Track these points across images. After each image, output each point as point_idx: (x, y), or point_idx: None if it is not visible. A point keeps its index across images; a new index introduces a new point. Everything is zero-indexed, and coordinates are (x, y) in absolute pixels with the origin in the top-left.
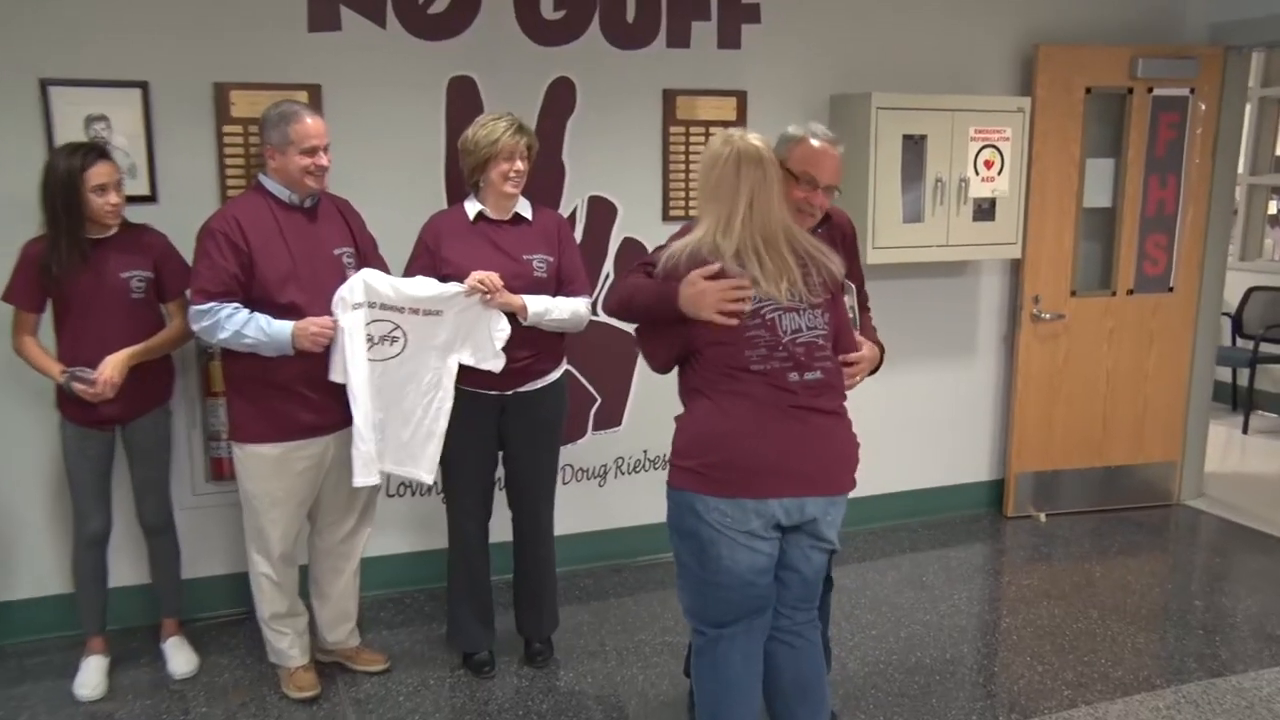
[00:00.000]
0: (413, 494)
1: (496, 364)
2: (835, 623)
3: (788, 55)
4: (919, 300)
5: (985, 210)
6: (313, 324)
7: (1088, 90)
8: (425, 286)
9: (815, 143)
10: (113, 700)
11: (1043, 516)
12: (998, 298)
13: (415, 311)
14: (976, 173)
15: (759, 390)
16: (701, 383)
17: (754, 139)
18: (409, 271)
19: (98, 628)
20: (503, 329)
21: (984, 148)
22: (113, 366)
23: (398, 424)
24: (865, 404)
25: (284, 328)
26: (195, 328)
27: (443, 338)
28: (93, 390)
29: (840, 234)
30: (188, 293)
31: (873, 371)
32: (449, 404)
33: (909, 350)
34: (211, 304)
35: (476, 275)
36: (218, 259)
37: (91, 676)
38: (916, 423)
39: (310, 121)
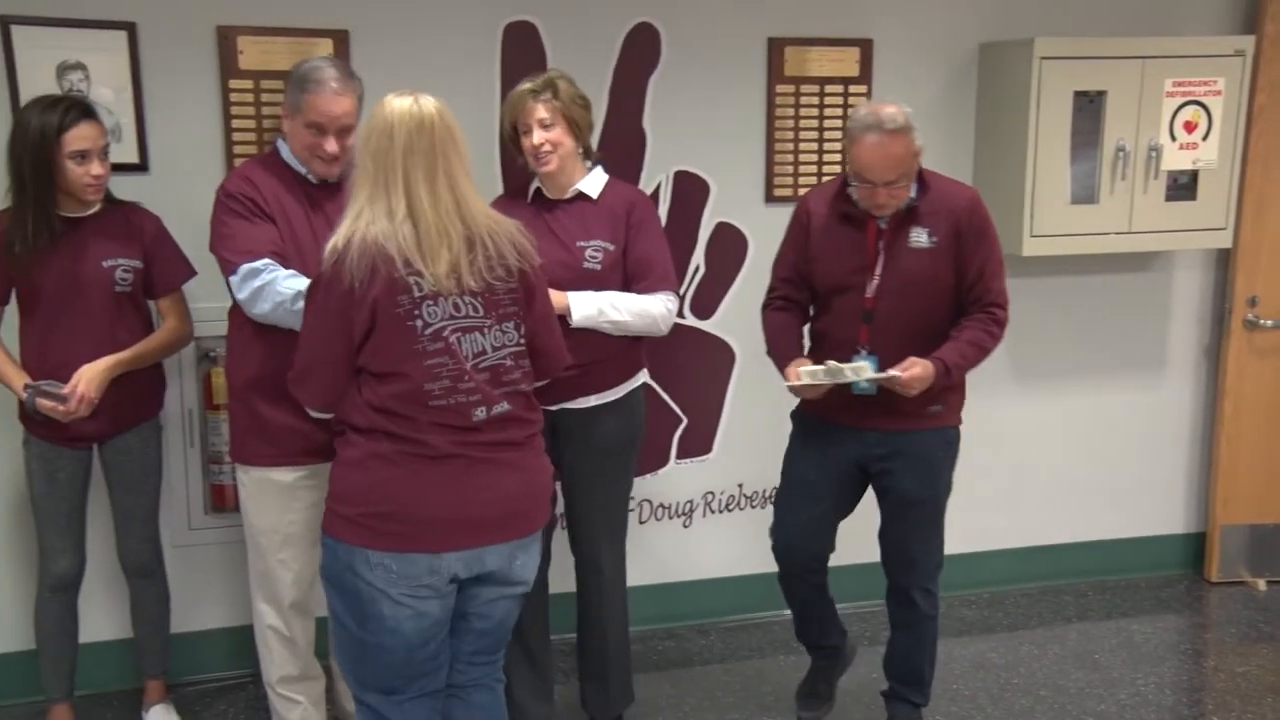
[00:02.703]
0: None
1: None
2: (979, 706)
3: None
4: (1090, 302)
5: (1183, 186)
6: None
7: None
8: None
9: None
10: None
11: (1262, 584)
12: (1198, 299)
13: None
14: (1173, 138)
15: (434, 435)
16: (368, 418)
17: (420, 100)
18: None
19: (64, 694)
20: None
21: (1185, 105)
22: (88, 379)
23: None
24: (1020, 431)
25: None
26: (241, 294)
27: None
28: (64, 408)
29: (951, 220)
30: (190, 283)
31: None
32: None
33: (1076, 366)
34: (266, 260)
35: None
36: (254, 219)
37: None
38: (1087, 457)
39: (329, 98)
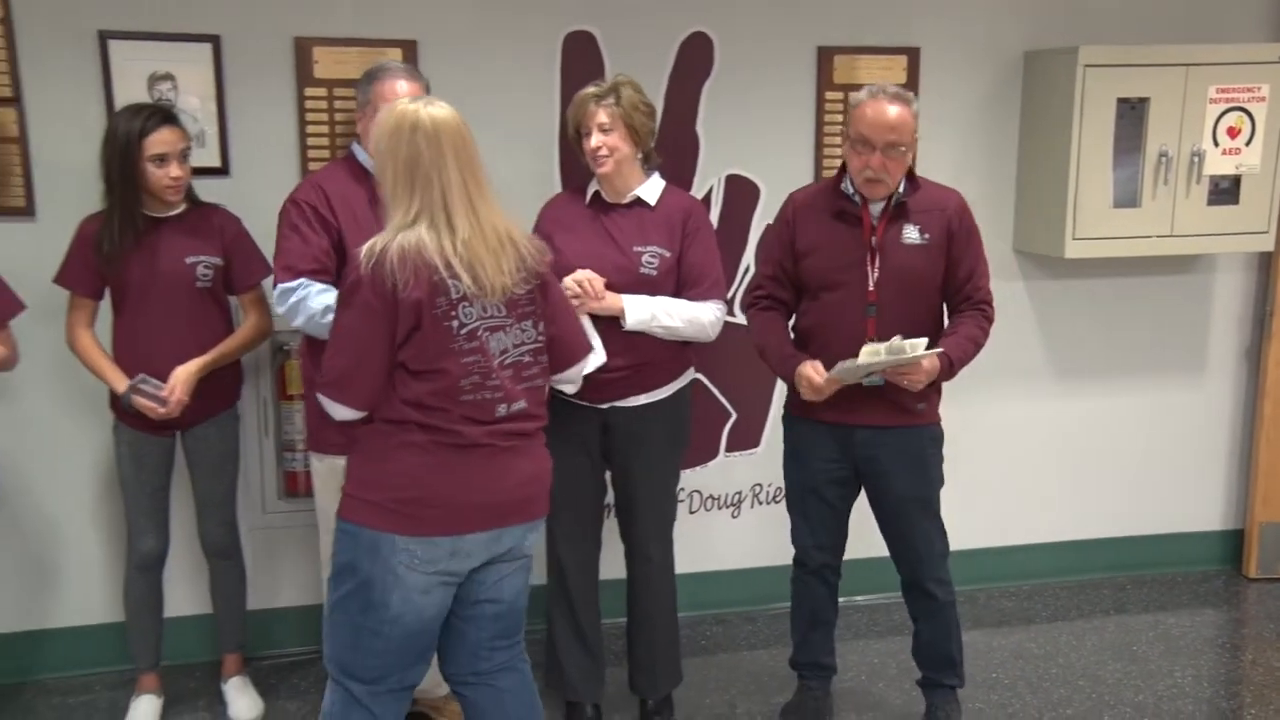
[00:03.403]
0: None
1: (571, 387)
2: (1017, 694)
3: (972, 2)
4: (1131, 303)
5: (1225, 191)
6: None
7: None
8: None
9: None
10: None
11: None
12: (1238, 301)
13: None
14: (1216, 144)
15: (463, 425)
16: (400, 411)
17: (443, 107)
18: None
19: (150, 663)
20: (594, 352)
21: (1228, 111)
22: (183, 382)
23: None
24: (1062, 429)
25: None
26: (281, 309)
27: None
28: (162, 410)
29: (943, 219)
30: (269, 279)
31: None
32: None
33: (1117, 366)
34: (301, 280)
35: (574, 277)
36: (307, 232)
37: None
38: (1126, 455)
39: (390, 84)
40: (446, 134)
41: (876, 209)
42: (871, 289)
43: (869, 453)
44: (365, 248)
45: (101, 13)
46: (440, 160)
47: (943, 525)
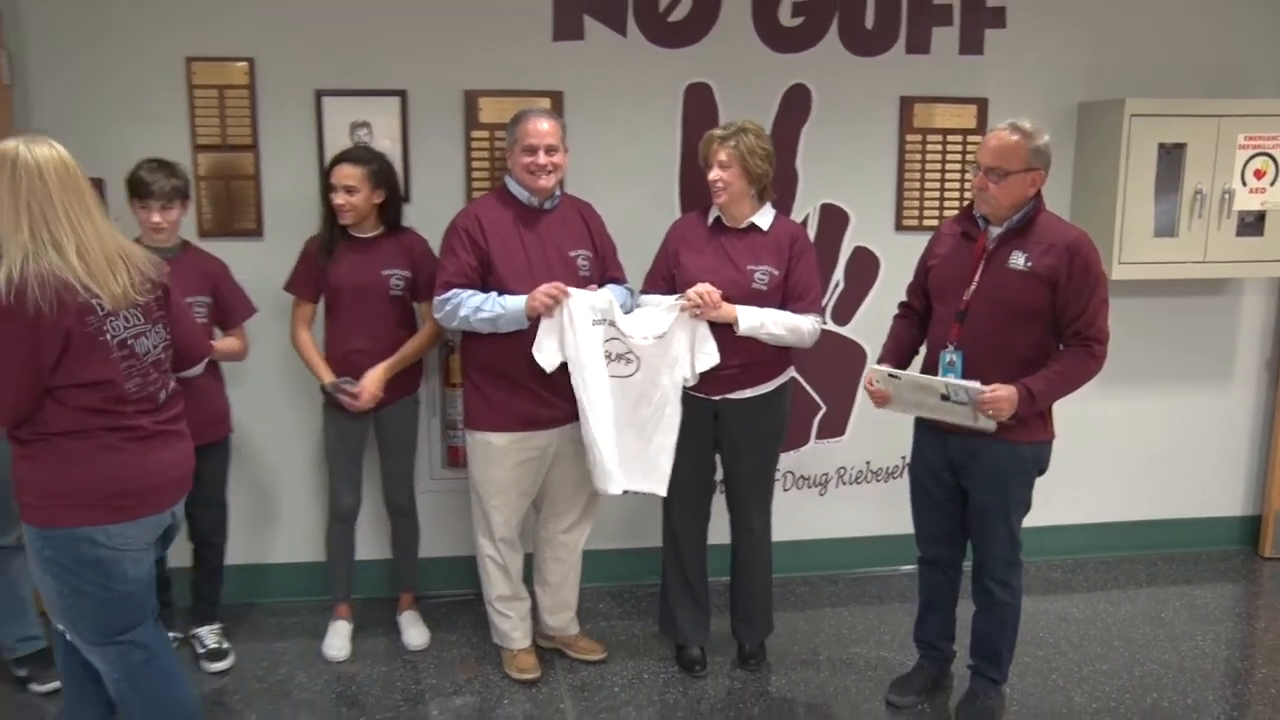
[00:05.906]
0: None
1: (692, 380)
2: (1060, 650)
3: (1033, 60)
4: (1168, 320)
5: (1251, 224)
6: (541, 287)
7: None
8: (652, 318)
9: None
10: (355, 663)
11: None
12: (1261, 319)
13: (646, 338)
14: (1244, 183)
15: (139, 419)
16: (81, 420)
17: (46, 143)
18: (650, 271)
19: (344, 596)
20: (709, 353)
21: (1255, 156)
22: (375, 382)
23: (632, 439)
24: (1105, 428)
25: (518, 298)
26: (437, 315)
27: (670, 355)
28: (357, 405)
29: (1055, 253)
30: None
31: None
32: (678, 419)
33: (1156, 373)
34: (453, 291)
35: (696, 289)
36: (460, 253)
37: (337, 640)
38: (1159, 449)
39: (532, 123)
40: (48, 166)
41: (995, 233)
42: (966, 299)
43: (958, 459)
44: (2, 276)
45: (318, 75)
46: (44, 188)
47: (1015, 537)
